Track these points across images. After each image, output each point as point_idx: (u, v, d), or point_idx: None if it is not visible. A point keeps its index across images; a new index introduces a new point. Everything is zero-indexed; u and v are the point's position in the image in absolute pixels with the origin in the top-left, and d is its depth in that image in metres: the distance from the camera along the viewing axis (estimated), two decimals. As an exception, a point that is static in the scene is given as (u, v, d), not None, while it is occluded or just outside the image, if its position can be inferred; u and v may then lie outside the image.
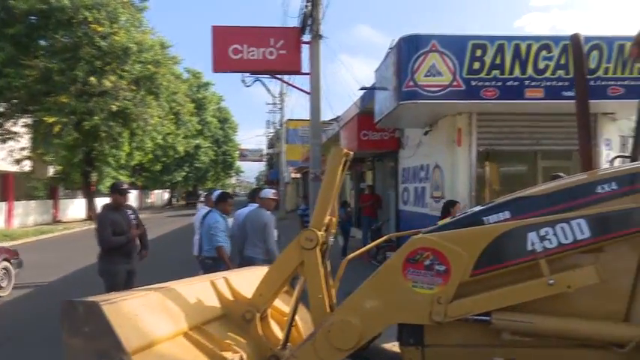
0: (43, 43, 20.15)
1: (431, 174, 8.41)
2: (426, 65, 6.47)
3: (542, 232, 2.11)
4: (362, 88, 9.47)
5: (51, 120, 18.31)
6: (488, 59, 6.47)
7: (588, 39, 6.57)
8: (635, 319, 2.09)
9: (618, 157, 3.33)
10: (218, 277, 2.87)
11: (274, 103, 35.35)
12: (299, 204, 30.47)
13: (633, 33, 3.32)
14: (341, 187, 2.74)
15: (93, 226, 8.85)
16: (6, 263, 8.25)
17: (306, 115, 11.12)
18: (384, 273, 2.24)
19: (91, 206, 23.65)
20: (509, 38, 6.53)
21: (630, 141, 9.03)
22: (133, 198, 30.87)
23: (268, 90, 31.47)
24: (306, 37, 10.20)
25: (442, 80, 6.47)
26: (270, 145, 45.65)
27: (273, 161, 43.34)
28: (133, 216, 5.47)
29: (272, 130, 43.25)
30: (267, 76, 12.34)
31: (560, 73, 6.49)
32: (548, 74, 6.49)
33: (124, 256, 5.18)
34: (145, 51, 20.95)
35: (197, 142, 39.23)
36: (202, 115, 40.77)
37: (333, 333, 2.20)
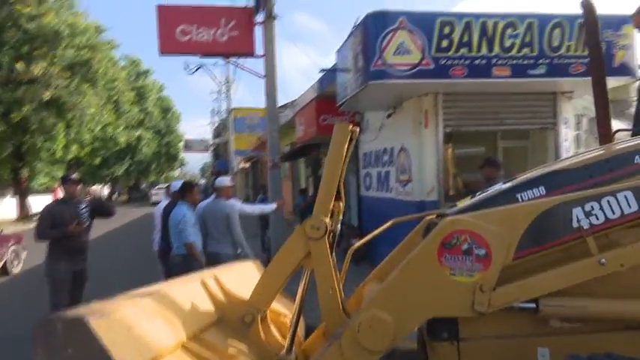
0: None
1: (396, 157, 8.25)
2: (395, 43, 6.24)
3: (588, 207, 1.92)
4: (322, 70, 9.15)
5: (-27, 111, 16.72)
6: (456, 37, 6.34)
7: (551, 17, 6.63)
8: None
9: (620, 130, 3.25)
10: (208, 276, 2.49)
11: (219, 91, 34.19)
12: (248, 194, 29.78)
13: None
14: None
15: (26, 226, 8.15)
16: (15, 247, 9.99)
17: (253, 103, 10.67)
18: (416, 262, 1.96)
19: (22, 205, 21.86)
20: (477, 16, 6.43)
21: (584, 120, 9.30)
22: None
23: (214, 77, 30.37)
24: (260, 18, 9.71)
25: (411, 59, 6.28)
26: (217, 135, 44.19)
27: (219, 151, 42.04)
28: (84, 210, 4.89)
29: (218, 120, 41.93)
30: (219, 58, 11.71)
31: (526, 51, 6.48)
32: (514, 52, 6.46)
33: (66, 253, 4.71)
34: (79, 35, 19.46)
35: (138, 133, 37.34)
36: (143, 104, 38.82)
37: (362, 333, 1.90)
